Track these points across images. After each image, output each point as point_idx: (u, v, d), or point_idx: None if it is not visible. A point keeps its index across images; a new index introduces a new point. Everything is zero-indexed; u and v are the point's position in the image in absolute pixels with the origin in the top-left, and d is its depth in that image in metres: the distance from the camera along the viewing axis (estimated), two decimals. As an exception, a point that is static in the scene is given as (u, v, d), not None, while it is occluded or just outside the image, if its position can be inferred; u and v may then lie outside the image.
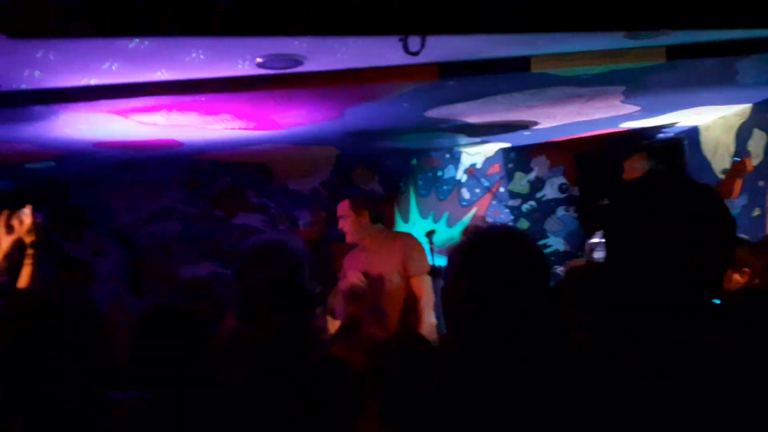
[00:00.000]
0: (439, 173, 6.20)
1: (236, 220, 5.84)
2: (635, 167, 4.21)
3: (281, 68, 3.04)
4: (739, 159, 3.60)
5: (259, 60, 2.89)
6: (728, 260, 1.26)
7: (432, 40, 2.65)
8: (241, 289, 2.01)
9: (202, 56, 2.76)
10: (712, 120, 5.45)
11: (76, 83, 3.01)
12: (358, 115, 4.07)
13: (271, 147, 4.97)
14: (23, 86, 3.00)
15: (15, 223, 2.53)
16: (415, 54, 2.77)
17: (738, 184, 3.46)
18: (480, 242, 1.42)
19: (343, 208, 4.04)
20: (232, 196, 5.86)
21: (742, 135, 5.05)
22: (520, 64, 3.25)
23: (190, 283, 5.54)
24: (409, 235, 4.20)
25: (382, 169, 6.10)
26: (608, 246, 1.33)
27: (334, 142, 5.05)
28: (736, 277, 2.92)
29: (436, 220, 6.11)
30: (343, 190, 5.98)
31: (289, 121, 4.06)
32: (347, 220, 3.98)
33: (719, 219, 1.24)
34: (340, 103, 3.79)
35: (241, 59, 2.84)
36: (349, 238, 4.00)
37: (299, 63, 2.99)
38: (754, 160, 4.74)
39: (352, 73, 3.23)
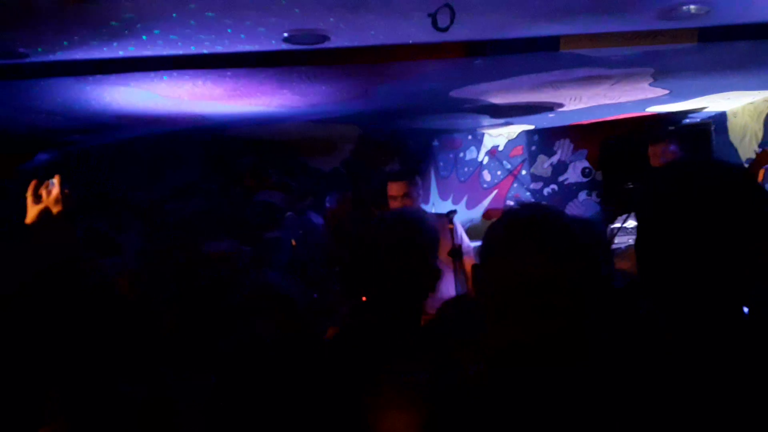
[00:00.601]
0: (461, 155, 6.16)
1: (258, 197, 5.85)
2: (659, 154, 4.15)
3: (307, 44, 3.02)
4: (762, 149, 3.55)
5: (285, 35, 2.88)
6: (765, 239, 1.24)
7: (461, 17, 2.62)
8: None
9: (229, 30, 2.75)
10: (740, 105, 5.36)
11: (105, 55, 3.02)
12: (382, 94, 4.05)
13: (292, 125, 4.96)
14: (50, 57, 3.01)
15: (43, 192, 2.54)
16: (444, 30, 2.74)
17: (761, 174, 3.42)
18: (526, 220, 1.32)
19: (405, 186, 3.83)
20: (254, 173, 5.86)
21: (772, 121, 4.98)
22: (550, 43, 3.20)
23: (211, 259, 5.57)
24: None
25: (403, 149, 6.07)
26: (641, 229, 1.31)
27: (356, 120, 5.03)
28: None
29: (456, 202, 6.08)
30: (363, 170, 5.97)
31: (312, 98, 4.04)
32: (406, 200, 3.79)
33: (755, 198, 1.22)
34: (365, 82, 3.76)
35: (267, 34, 2.82)
36: None
37: (325, 39, 2.97)
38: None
39: (378, 51, 3.21)
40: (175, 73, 3.32)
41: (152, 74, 3.34)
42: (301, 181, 5.89)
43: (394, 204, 3.83)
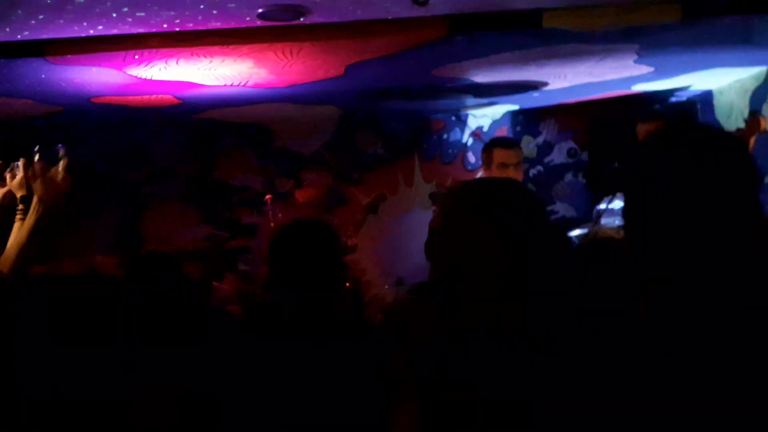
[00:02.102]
0: (444, 136, 6.08)
1: (236, 182, 5.75)
2: (650, 132, 4.08)
3: (284, 20, 2.93)
4: (753, 117, 3.49)
5: (260, 10, 2.78)
6: (756, 207, 1.18)
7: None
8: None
9: (202, 6, 2.64)
10: (726, 83, 5.31)
11: (74, 33, 2.91)
12: (361, 72, 3.95)
13: (271, 107, 4.86)
14: (18, 36, 2.90)
15: (8, 175, 2.44)
16: (423, 4, 2.66)
17: (752, 143, 3.36)
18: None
19: (519, 154, 3.50)
20: (233, 157, 5.76)
21: (757, 98, 4.93)
22: (532, 18, 3.12)
23: (188, 244, 5.47)
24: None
25: (385, 131, 5.98)
26: (629, 203, 1.25)
27: (336, 101, 4.94)
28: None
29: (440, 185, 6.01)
30: (345, 152, 5.88)
31: (290, 77, 3.94)
32: (519, 169, 3.48)
33: (744, 164, 1.16)
34: (343, 60, 3.67)
35: (241, 9, 2.72)
36: None
37: (302, 15, 2.88)
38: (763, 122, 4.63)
39: (357, 27, 3.12)
40: (146, 52, 3.21)
41: (123, 54, 3.24)
42: (280, 164, 5.78)
43: (505, 172, 3.45)
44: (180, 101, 4.43)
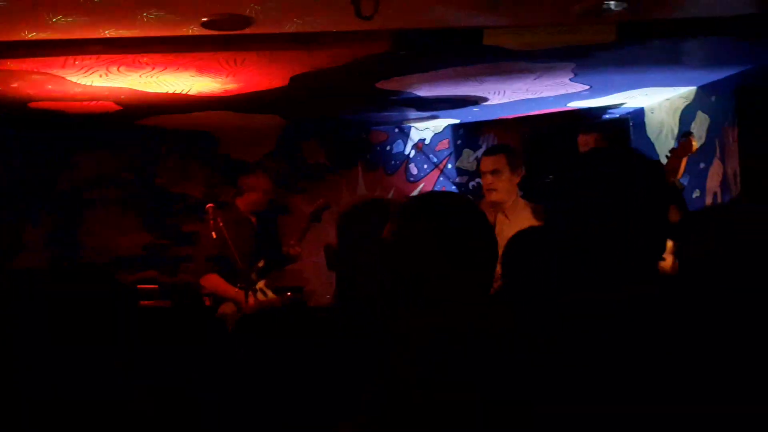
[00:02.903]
0: (388, 148, 6.15)
1: (178, 189, 5.68)
2: (590, 143, 4.21)
3: (228, 29, 2.93)
4: (685, 138, 3.64)
5: (204, 19, 2.78)
6: (666, 228, 1.27)
7: (385, 5, 2.59)
8: None
9: (145, 13, 2.63)
10: (657, 102, 5.54)
11: (12, 37, 2.85)
12: (305, 83, 3.98)
13: (214, 114, 4.83)
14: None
15: None
16: (368, 18, 2.70)
17: (683, 163, 3.50)
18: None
19: (500, 161, 3.46)
20: (174, 164, 5.69)
21: (686, 117, 5.15)
22: (473, 36, 3.21)
23: (128, 252, 5.39)
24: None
25: (329, 142, 6.01)
26: (550, 211, 1.33)
27: (280, 111, 4.94)
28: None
29: (382, 196, 6.06)
30: (289, 162, 5.88)
31: (233, 86, 3.94)
32: (501, 177, 3.43)
33: (659, 188, 1.25)
34: (288, 70, 3.69)
35: (186, 18, 2.72)
36: (494, 197, 3.46)
37: (247, 24, 2.89)
38: (697, 143, 4.83)
39: (302, 38, 3.15)
40: (86, 58, 3.17)
41: (62, 60, 3.19)
42: (222, 172, 5.74)
43: (485, 178, 3.51)
44: (120, 107, 4.37)
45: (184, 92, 3.99)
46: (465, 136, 6.20)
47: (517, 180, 3.52)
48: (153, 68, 3.38)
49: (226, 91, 4.04)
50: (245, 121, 5.24)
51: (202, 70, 3.49)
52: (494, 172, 3.49)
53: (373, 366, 1.25)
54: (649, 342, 1.10)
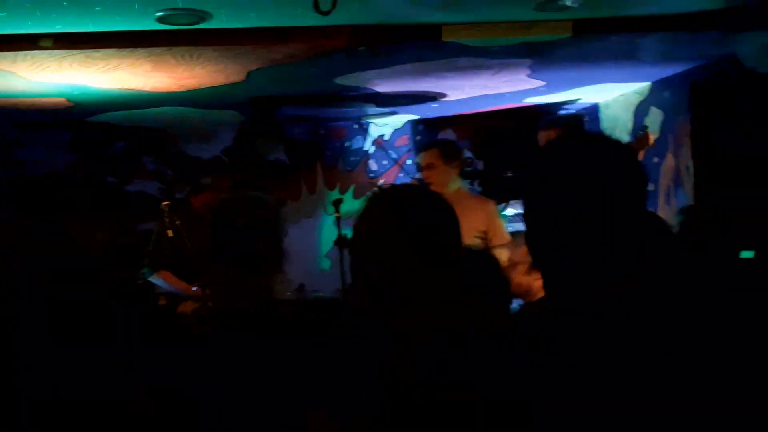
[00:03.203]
0: (347, 144, 6.13)
1: (131, 187, 5.57)
2: (551, 138, 4.26)
3: (184, 24, 2.87)
4: (642, 132, 3.72)
5: (159, 14, 2.72)
6: (642, 210, 1.27)
7: (344, 1, 2.57)
8: None
9: (98, 8, 2.56)
10: (612, 97, 5.62)
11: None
12: (263, 78, 3.93)
13: (169, 110, 4.74)
14: None
15: None
16: (326, 14, 2.68)
17: (640, 155, 3.58)
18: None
19: (433, 155, 3.65)
20: (127, 161, 5.57)
21: (640, 113, 5.24)
22: (432, 32, 3.21)
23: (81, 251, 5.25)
24: (492, 201, 3.83)
25: (287, 138, 5.96)
26: (529, 212, 1.31)
27: (237, 106, 4.88)
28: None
29: (342, 192, 6.04)
30: (246, 158, 5.82)
31: (189, 81, 3.87)
32: (435, 171, 3.60)
33: (632, 169, 1.24)
34: (245, 65, 3.64)
35: (140, 13, 2.66)
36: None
37: (203, 19, 2.84)
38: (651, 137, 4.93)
39: (259, 33, 3.10)
40: (38, 53, 3.07)
41: (13, 54, 3.08)
42: (178, 169, 5.64)
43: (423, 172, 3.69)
44: (72, 104, 4.26)
45: (138, 88, 3.90)
46: (424, 131, 6.21)
47: (455, 172, 3.67)
48: (107, 64, 3.29)
49: (181, 86, 3.97)
50: (201, 117, 5.16)
51: (157, 65, 3.42)
52: (429, 166, 3.65)
53: (372, 366, 1.24)
54: (638, 340, 1.11)
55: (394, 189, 1.59)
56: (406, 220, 1.35)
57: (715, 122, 3.77)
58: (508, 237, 3.71)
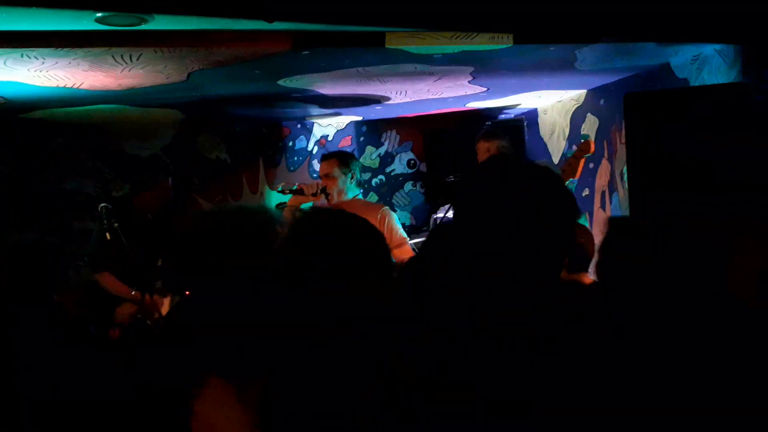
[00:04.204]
0: (290, 143, 6.10)
1: (67, 185, 5.41)
2: (489, 150, 4.34)
3: (123, 25, 2.82)
4: (584, 140, 3.83)
5: (98, 14, 2.66)
6: (569, 236, 1.33)
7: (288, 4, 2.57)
8: None
9: (42, 9, 2.49)
10: (550, 103, 5.77)
11: None
12: (205, 79, 3.89)
13: (107, 108, 4.64)
14: None
15: None
16: (271, 21, 2.67)
17: (582, 163, 3.69)
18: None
19: (331, 165, 3.88)
20: (63, 158, 5.41)
21: (577, 119, 5.40)
22: (376, 38, 3.23)
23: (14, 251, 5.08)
24: (383, 206, 4.04)
25: (229, 137, 5.89)
26: (456, 221, 1.36)
27: (177, 105, 4.81)
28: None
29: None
30: (186, 157, 5.73)
31: (128, 81, 3.79)
32: (332, 179, 3.84)
33: (560, 197, 1.31)
34: (186, 66, 3.59)
35: (78, 13, 2.59)
36: (332, 201, 3.84)
37: (144, 20, 2.79)
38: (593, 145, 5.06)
39: (201, 35, 3.07)
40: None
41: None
42: (116, 167, 5.51)
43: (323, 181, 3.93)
44: (4, 100, 4.12)
45: (75, 86, 3.80)
46: (368, 133, 6.24)
47: (351, 181, 3.95)
48: (43, 62, 3.20)
49: (120, 86, 3.89)
50: (139, 115, 5.06)
51: (94, 65, 3.34)
52: (327, 175, 3.92)
53: (373, 366, 1.24)
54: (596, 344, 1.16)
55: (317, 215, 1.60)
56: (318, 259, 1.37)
57: (648, 130, 3.90)
58: (403, 237, 3.94)
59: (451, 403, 1.17)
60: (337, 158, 3.96)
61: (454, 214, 1.40)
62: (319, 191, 3.86)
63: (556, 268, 1.31)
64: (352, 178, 3.93)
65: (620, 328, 1.21)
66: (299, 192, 3.91)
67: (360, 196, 4.21)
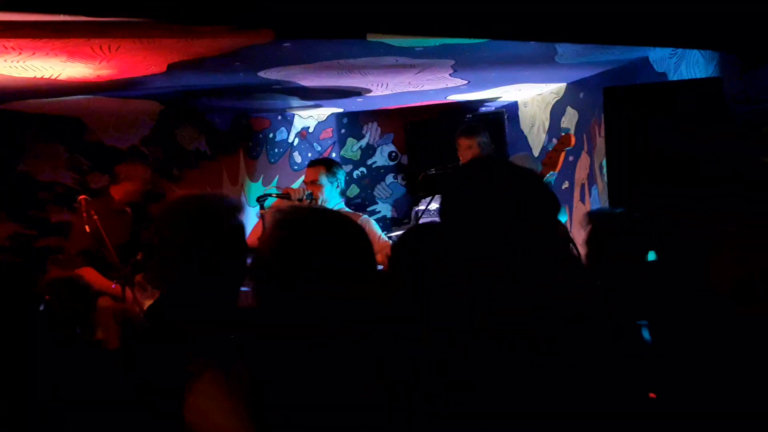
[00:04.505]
0: (270, 135, 6.07)
1: (44, 177, 5.34)
2: (467, 148, 4.36)
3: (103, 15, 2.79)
4: (565, 134, 3.86)
5: (76, 5, 2.63)
6: (551, 231, 1.35)
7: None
8: None
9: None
10: (530, 96, 5.79)
11: None
12: (184, 70, 3.86)
13: (85, 99, 4.58)
14: None
15: None
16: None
17: (562, 156, 3.72)
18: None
19: (317, 172, 3.94)
20: (40, 150, 5.34)
21: (557, 112, 5.43)
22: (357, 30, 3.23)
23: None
24: (363, 216, 4.17)
25: (209, 128, 5.85)
26: (446, 224, 1.38)
27: (157, 96, 4.76)
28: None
29: (266, 184, 5.99)
30: (165, 148, 5.68)
31: (106, 72, 3.75)
32: (321, 188, 3.91)
33: (541, 197, 1.33)
34: (165, 57, 3.56)
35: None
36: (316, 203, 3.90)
37: (122, 11, 2.76)
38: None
39: (180, 26, 3.04)
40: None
41: None
42: (94, 159, 5.45)
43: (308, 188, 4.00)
44: (-22, 91, 4.06)
45: (53, 77, 3.76)
46: (349, 125, 6.24)
47: (336, 190, 4.06)
48: (20, 53, 3.16)
49: (99, 77, 3.85)
50: (118, 106, 5.00)
51: (73, 55, 3.30)
52: (313, 182, 4.00)
53: (373, 366, 1.24)
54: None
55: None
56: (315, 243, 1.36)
57: (626, 124, 3.94)
58: (387, 241, 4.04)
59: (451, 403, 1.17)
60: (324, 165, 4.02)
61: (442, 218, 1.41)
62: (304, 197, 3.87)
63: (552, 266, 1.32)
64: (337, 186, 4.00)
65: (620, 328, 1.23)
66: (286, 197, 3.91)
67: (342, 206, 4.24)
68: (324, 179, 3.93)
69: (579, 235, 4.44)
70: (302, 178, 6.03)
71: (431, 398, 1.20)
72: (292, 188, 4.02)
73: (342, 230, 1.40)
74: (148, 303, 3.82)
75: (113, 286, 3.96)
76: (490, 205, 1.29)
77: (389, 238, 4.33)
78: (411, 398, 1.20)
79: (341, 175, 4.07)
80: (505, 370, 1.20)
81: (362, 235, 1.42)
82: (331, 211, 1.57)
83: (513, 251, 1.25)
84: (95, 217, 3.77)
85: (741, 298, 1.29)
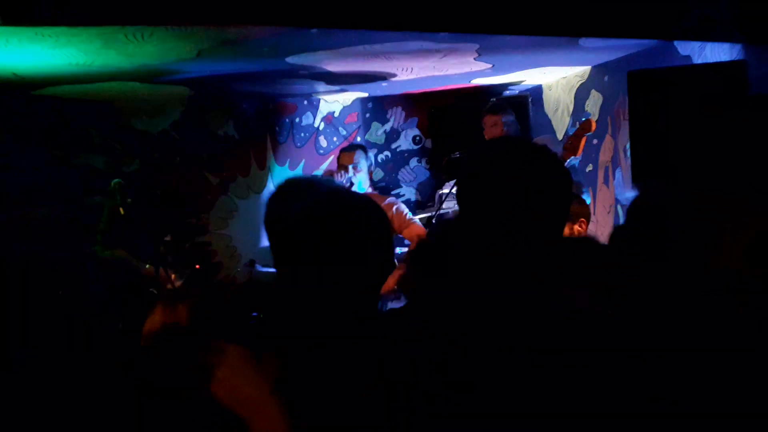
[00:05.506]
0: (297, 120, 6.16)
1: (78, 161, 5.49)
2: (495, 123, 4.41)
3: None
4: (586, 119, 3.88)
5: None
6: (564, 210, 1.41)
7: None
8: None
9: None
10: (554, 80, 5.80)
11: None
12: (214, 56, 3.94)
13: (116, 85, 4.69)
14: None
15: None
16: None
17: (583, 141, 3.75)
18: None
19: (356, 156, 4.11)
20: (73, 135, 5.48)
21: (581, 95, 5.43)
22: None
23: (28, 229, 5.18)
24: (391, 197, 4.26)
25: (237, 113, 5.96)
26: (460, 198, 1.44)
27: (187, 82, 4.86)
28: (576, 227, 3.21)
29: (292, 168, 6.09)
30: (195, 133, 5.80)
31: (141, 59, 3.85)
32: (359, 171, 4.09)
33: (556, 176, 1.39)
34: (196, 44, 3.65)
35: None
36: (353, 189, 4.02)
37: None
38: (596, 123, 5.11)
39: (211, 14, 3.12)
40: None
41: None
42: (126, 143, 5.59)
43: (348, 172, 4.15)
44: (18, 78, 4.18)
45: (87, 64, 3.87)
46: (373, 109, 6.29)
47: (371, 173, 4.21)
48: (56, 40, 3.27)
49: (131, 63, 3.95)
50: (149, 91, 5.11)
51: (108, 43, 3.40)
52: (352, 166, 4.13)
53: (373, 366, 1.25)
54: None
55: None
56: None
57: (651, 108, 3.96)
58: (412, 218, 4.15)
59: (451, 403, 1.18)
60: (363, 149, 4.18)
61: (459, 201, 1.45)
62: (347, 180, 3.99)
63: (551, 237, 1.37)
64: (369, 170, 4.17)
65: (621, 327, 1.20)
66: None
67: (368, 189, 4.35)
68: (363, 163, 4.05)
69: (603, 218, 4.51)
70: (327, 162, 6.15)
71: (431, 398, 1.19)
72: (332, 171, 4.16)
73: (367, 214, 1.44)
74: (178, 284, 3.95)
75: (147, 266, 4.08)
76: (505, 186, 1.34)
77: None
78: (411, 398, 1.20)
79: (372, 159, 4.23)
80: (504, 370, 1.19)
81: (385, 222, 1.47)
82: (358, 193, 1.62)
83: (522, 237, 1.30)
84: (129, 200, 3.88)
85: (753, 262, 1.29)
